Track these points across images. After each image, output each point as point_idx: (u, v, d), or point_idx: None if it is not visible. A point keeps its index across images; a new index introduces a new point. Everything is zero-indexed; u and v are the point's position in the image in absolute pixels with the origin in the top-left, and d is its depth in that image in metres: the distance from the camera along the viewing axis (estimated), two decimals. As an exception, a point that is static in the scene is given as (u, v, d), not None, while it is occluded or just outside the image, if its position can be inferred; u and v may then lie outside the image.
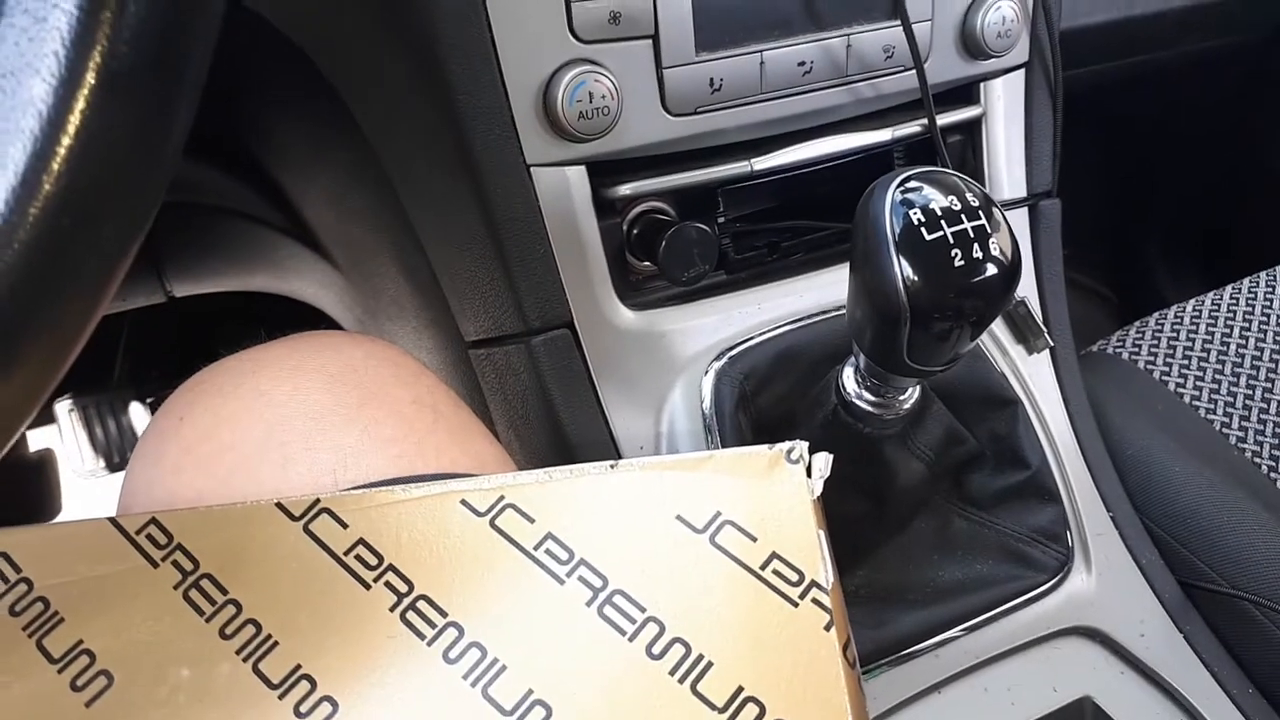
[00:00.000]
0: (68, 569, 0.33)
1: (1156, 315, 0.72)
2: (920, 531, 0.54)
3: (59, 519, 0.96)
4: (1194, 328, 0.70)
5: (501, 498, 0.34)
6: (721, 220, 0.56)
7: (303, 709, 0.30)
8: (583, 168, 0.50)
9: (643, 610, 0.32)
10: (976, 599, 0.53)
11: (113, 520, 0.34)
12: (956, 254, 0.38)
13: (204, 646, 0.31)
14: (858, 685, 0.30)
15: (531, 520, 0.34)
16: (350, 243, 0.66)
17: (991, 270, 0.38)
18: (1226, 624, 0.59)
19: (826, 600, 0.31)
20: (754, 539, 0.33)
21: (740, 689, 0.30)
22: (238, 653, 0.31)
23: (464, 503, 0.34)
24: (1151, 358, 0.69)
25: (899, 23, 0.53)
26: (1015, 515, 0.55)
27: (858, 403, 0.46)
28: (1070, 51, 0.61)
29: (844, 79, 0.54)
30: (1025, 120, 0.60)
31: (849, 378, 0.46)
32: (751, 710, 0.29)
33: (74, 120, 0.21)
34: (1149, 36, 0.86)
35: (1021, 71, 0.60)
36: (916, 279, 0.38)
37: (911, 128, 0.57)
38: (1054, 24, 0.59)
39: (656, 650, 0.31)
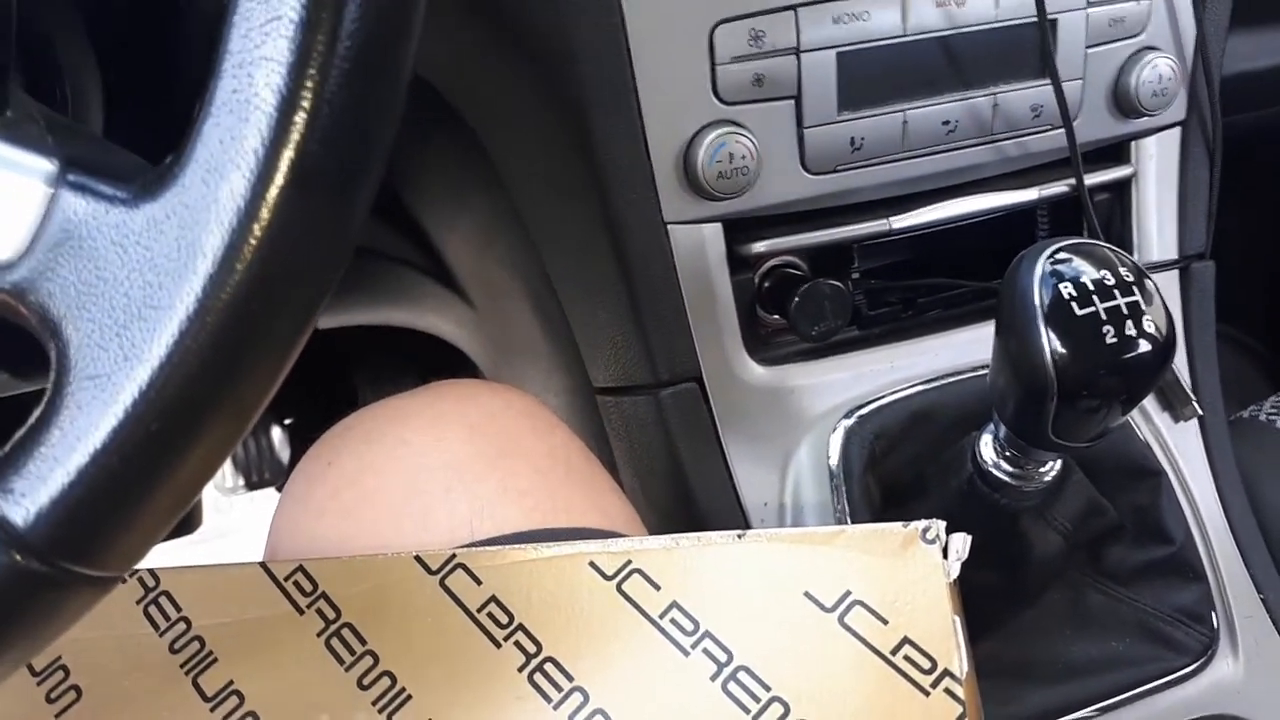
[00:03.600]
0: (222, 610, 0.35)
1: (1317, 382, 0.68)
2: (1053, 605, 0.52)
3: (198, 531, 1.02)
4: (1359, 396, 0.66)
5: (629, 562, 0.35)
6: (855, 276, 0.55)
7: None
8: (719, 225, 0.50)
9: (767, 689, 0.32)
10: (1111, 679, 0.51)
11: (264, 565, 0.36)
12: (1108, 330, 0.37)
13: (343, 695, 0.33)
14: None
15: (658, 587, 0.34)
16: (487, 285, 0.68)
17: (1145, 347, 0.37)
18: (1389, 720, 0.55)
19: (960, 691, 0.31)
20: (885, 621, 0.32)
21: None
22: (374, 703, 0.33)
23: (592, 564, 0.35)
24: (1311, 427, 0.65)
25: (1048, 81, 0.52)
26: (1156, 592, 0.53)
27: (995, 472, 0.45)
28: (1230, 98, 0.59)
29: (988, 137, 0.53)
30: (1179, 179, 0.58)
31: (987, 446, 0.45)
32: None
33: (267, 213, 0.22)
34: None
35: (1177, 129, 0.57)
36: (1066, 354, 0.37)
37: (1058, 187, 0.55)
38: (1214, 80, 0.57)
39: None
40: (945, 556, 0.33)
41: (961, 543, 0.33)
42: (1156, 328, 0.37)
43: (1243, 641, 0.54)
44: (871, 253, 0.56)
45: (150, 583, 0.35)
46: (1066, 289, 0.37)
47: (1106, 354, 0.37)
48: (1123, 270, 0.38)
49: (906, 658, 0.31)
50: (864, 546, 0.34)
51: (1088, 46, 0.53)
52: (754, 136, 0.48)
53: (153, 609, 0.34)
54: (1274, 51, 0.76)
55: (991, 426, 0.45)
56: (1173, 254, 0.59)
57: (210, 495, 1.01)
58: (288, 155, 0.22)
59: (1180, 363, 0.59)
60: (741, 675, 0.32)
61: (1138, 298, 0.37)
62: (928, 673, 0.31)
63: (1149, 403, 0.57)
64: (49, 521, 0.22)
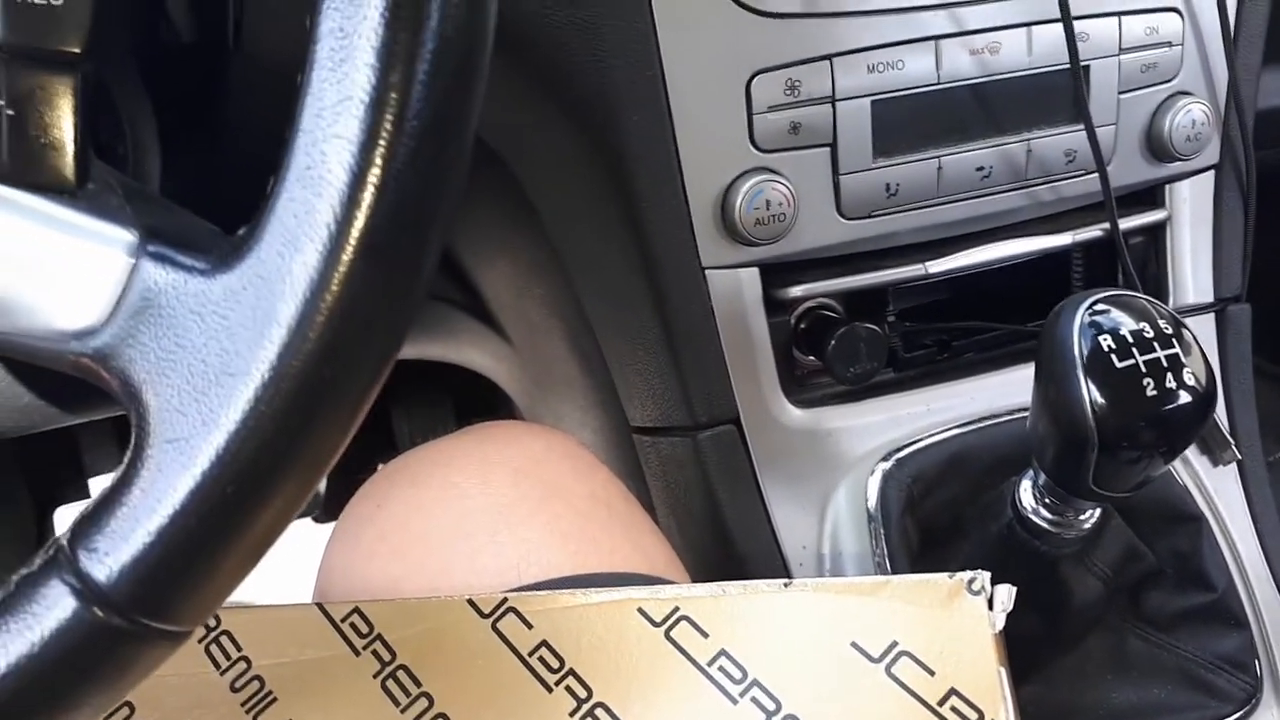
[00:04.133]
0: (280, 650, 0.36)
1: (1357, 422, 0.67)
2: (1094, 650, 0.52)
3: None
4: (1401, 438, 0.65)
5: (676, 609, 0.35)
6: (891, 319, 0.56)
7: None
8: (756, 270, 0.51)
9: None
10: (1153, 726, 0.51)
11: (320, 607, 0.37)
12: (1149, 383, 0.37)
13: None
14: None
15: (705, 635, 0.35)
16: (526, 323, 0.69)
17: (1185, 399, 0.38)
18: None
19: None
20: (931, 673, 0.32)
21: None
22: None
23: (640, 611, 0.36)
24: (1351, 468, 0.65)
25: (1081, 127, 0.53)
26: (1197, 639, 0.52)
27: (1034, 519, 0.45)
28: (1264, 133, 0.59)
29: (1023, 182, 0.53)
30: (1214, 222, 0.58)
31: (1026, 492, 0.46)
32: None
33: (337, 284, 0.23)
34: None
35: (1211, 172, 0.58)
36: (1106, 405, 0.37)
37: (1092, 232, 0.55)
38: (1247, 124, 0.57)
39: None
40: (990, 608, 0.34)
41: (1006, 594, 0.34)
42: (1196, 379, 0.38)
43: (1286, 689, 0.54)
44: (907, 295, 0.57)
45: (211, 623, 0.36)
46: (1106, 341, 0.38)
47: (1147, 406, 0.37)
48: (1161, 323, 0.38)
49: (953, 708, 0.31)
50: (910, 597, 0.34)
51: (1120, 92, 0.54)
52: (790, 183, 0.49)
53: (214, 648, 0.35)
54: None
55: (1031, 473, 0.45)
56: (1208, 297, 0.59)
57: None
58: (357, 228, 0.23)
59: (1218, 406, 0.59)
60: None
61: (1177, 350, 0.38)
62: None
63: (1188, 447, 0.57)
64: (130, 579, 0.23)
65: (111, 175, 0.28)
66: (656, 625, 0.35)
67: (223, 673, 0.35)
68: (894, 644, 0.33)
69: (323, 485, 1.05)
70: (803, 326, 0.56)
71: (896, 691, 0.32)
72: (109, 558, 0.23)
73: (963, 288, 0.58)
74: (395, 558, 0.41)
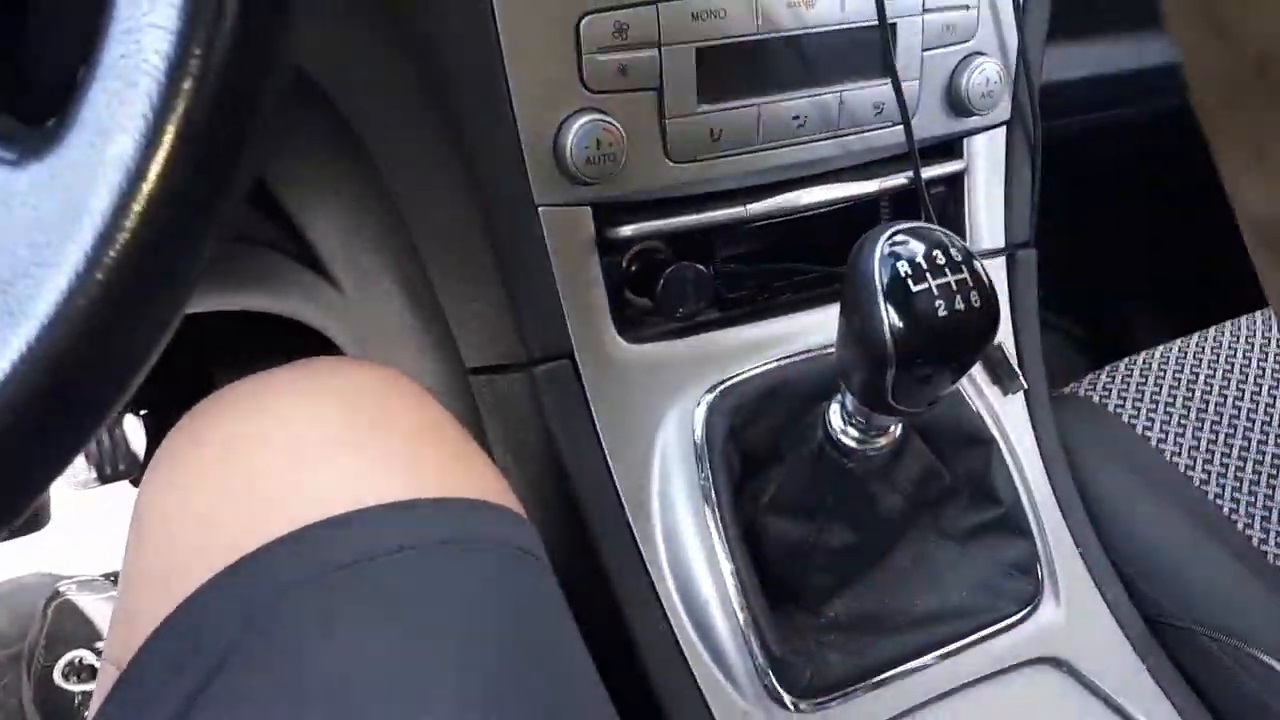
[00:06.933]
0: None
1: (1127, 360, 0.75)
2: (899, 563, 0.57)
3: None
4: (1161, 373, 0.73)
5: None
6: (717, 261, 0.59)
7: None
8: (588, 209, 0.52)
9: None
10: (950, 628, 0.56)
11: None
12: (940, 304, 0.41)
13: None
14: None
15: None
16: (357, 269, 0.68)
17: (971, 319, 0.41)
18: (1187, 658, 0.62)
19: None
20: None
21: None
22: None
23: None
24: (1121, 401, 0.72)
25: (888, 81, 0.56)
26: (989, 549, 0.58)
27: (843, 439, 0.49)
28: (1052, 105, 0.65)
29: (836, 132, 0.57)
30: (1006, 174, 0.63)
31: (835, 415, 0.49)
32: None
33: (155, 175, 0.23)
34: (1128, 92, 0.90)
35: (1004, 128, 0.63)
36: (903, 326, 0.41)
37: (897, 180, 0.60)
38: (1035, 84, 0.62)
39: None
40: None
41: None
42: (982, 302, 0.42)
43: (1063, 591, 0.60)
44: (731, 240, 0.60)
45: None
46: (903, 267, 0.41)
47: (938, 325, 0.41)
48: (953, 251, 0.42)
49: None
50: None
51: (924, 50, 0.58)
52: (620, 125, 0.50)
53: None
54: (1086, 64, 0.83)
55: (839, 397, 0.49)
56: (1000, 242, 0.64)
57: (59, 490, 0.97)
58: (176, 118, 0.23)
59: (1008, 342, 0.65)
60: None
61: (965, 275, 0.41)
62: None
63: (980, 377, 0.63)
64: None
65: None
66: None
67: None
68: None
69: (141, 446, 1.00)
70: (634, 269, 0.58)
71: None
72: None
73: (782, 235, 0.61)
74: (214, 493, 0.40)
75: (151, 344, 0.25)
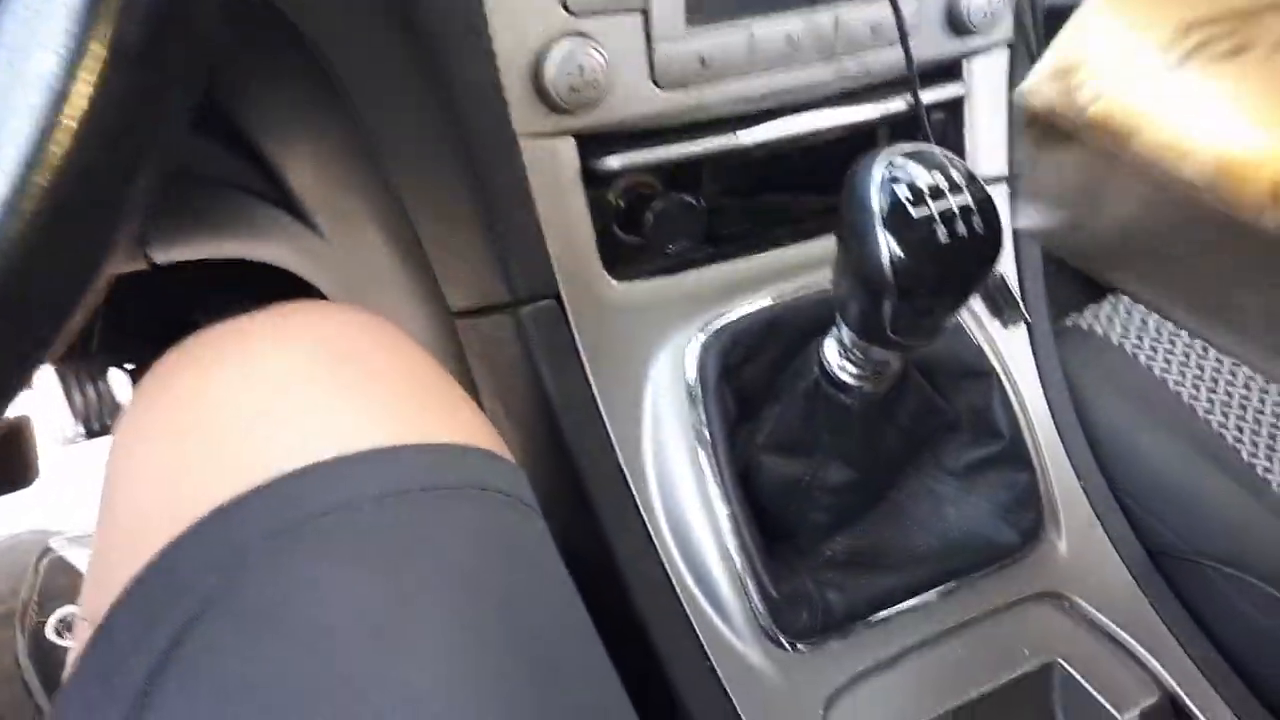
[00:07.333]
0: None
1: (1130, 290, 0.73)
2: (899, 498, 0.55)
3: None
4: (1165, 303, 0.72)
5: None
6: (708, 194, 0.56)
7: None
8: (571, 140, 0.50)
9: None
10: (951, 563, 0.55)
11: None
12: (941, 230, 0.39)
13: None
14: None
15: None
16: (335, 211, 0.66)
17: (975, 246, 0.39)
18: (1190, 589, 0.61)
19: None
20: None
21: None
22: None
23: None
24: (1124, 331, 0.71)
25: (886, -1, 0.54)
26: (990, 483, 0.57)
27: (839, 374, 0.47)
28: (1056, 26, 0.62)
29: (831, 55, 0.54)
30: (1008, 98, 0.61)
31: (831, 349, 0.47)
32: None
33: (79, 95, 0.21)
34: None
35: (1005, 50, 0.60)
36: (902, 255, 0.39)
37: (896, 104, 0.57)
38: (1038, 2, 0.60)
39: None
40: None
41: None
42: (986, 226, 0.40)
43: (1065, 525, 0.59)
44: (723, 172, 0.57)
45: None
46: (902, 192, 0.39)
47: (939, 252, 0.39)
48: (954, 173, 0.40)
49: None
50: None
51: (922, -35, 0.55)
52: (604, 50, 0.48)
53: None
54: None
55: (835, 330, 0.47)
56: (1002, 170, 0.62)
57: (47, 446, 0.95)
58: (100, 34, 0.21)
59: (1010, 273, 0.63)
60: None
61: (967, 198, 0.39)
62: None
63: (980, 309, 0.61)
64: None
65: None
66: None
67: None
68: None
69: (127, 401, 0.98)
70: (622, 204, 0.55)
71: None
72: None
73: (776, 165, 0.59)
74: (190, 439, 0.39)
75: (85, 280, 0.23)
